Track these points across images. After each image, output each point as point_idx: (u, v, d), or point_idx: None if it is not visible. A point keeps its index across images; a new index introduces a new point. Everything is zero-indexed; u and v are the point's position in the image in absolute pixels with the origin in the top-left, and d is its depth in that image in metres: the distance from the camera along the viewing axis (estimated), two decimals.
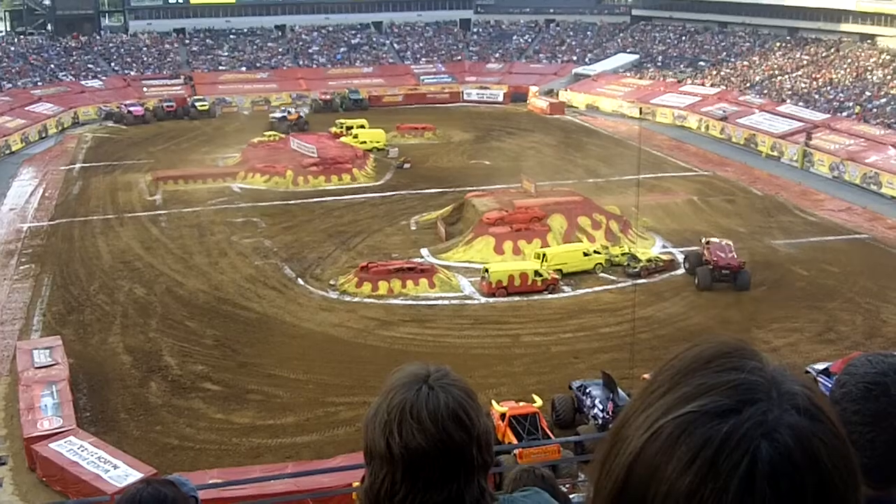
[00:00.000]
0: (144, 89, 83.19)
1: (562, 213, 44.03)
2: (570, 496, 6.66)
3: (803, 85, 73.31)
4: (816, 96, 70.18)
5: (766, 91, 74.14)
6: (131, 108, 76.95)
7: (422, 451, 2.08)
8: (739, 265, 38.36)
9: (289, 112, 72.84)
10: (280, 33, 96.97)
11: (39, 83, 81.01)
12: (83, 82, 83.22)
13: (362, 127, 65.93)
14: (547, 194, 47.24)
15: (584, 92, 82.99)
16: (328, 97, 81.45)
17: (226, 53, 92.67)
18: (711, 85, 78.43)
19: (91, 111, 77.49)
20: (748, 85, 76.55)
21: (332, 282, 39.26)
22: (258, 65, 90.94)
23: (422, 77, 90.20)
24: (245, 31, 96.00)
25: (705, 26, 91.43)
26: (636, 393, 1.38)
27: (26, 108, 73.44)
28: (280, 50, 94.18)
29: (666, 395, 1.29)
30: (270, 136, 64.36)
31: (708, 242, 40.22)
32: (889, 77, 69.54)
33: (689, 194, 52.61)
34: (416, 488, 2.10)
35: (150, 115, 76.71)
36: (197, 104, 78.63)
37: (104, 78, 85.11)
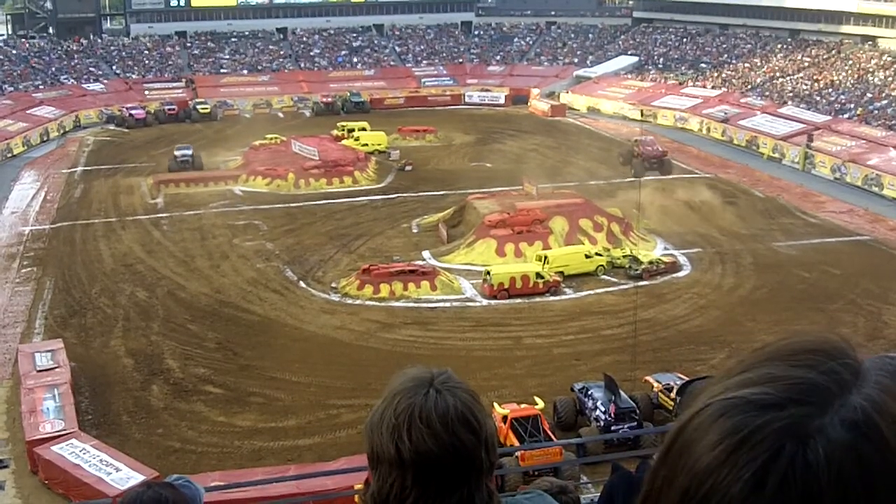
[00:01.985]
0: (146, 92, 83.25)
1: (563, 216, 44.02)
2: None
3: (804, 87, 73.30)
4: (818, 98, 70.18)
5: (767, 93, 74.13)
6: (133, 112, 76.98)
7: (432, 455, 2.06)
8: (663, 154, 41.02)
9: (186, 157, 59.60)
10: (281, 36, 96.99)
11: (41, 86, 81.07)
12: (85, 85, 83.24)
13: (364, 129, 65.95)
14: (548, 196, 47.21)
15: (586, 94, 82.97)
16: (329, 100, 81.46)
17: (227, 56, 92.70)
18: (713, 87, 78.42)
19: (93, 114, 77.51)
20: (749, 87, 76.55)
21: (333, 284, 39.26)
22: (259, 67, 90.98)
23: (423, 79, 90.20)
24: (246, 33, 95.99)
25: (706, 28, 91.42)
26: (727, 364, 1.36)
27: (28, 112, 73.46)
28: (281, 53, 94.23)
29: (735, 377, 1.27)
30: (272, 138, 64.38)
31: (636, 140, 42.71)
32: (890, 79, 69.55)
33: (690, 196, 52.55)
34: (426, 493, 2.09)
35: (151, 119, 76.76)
36: (198, 107, 78.68)
37: (106, 81, 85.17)
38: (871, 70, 72.24)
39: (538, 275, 38.32)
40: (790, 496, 1.15)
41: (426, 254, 43.23)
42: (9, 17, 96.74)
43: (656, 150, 48.80)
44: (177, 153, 60.16)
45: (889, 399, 1.19)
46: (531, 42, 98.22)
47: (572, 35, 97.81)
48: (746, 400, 1.21)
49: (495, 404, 26.35)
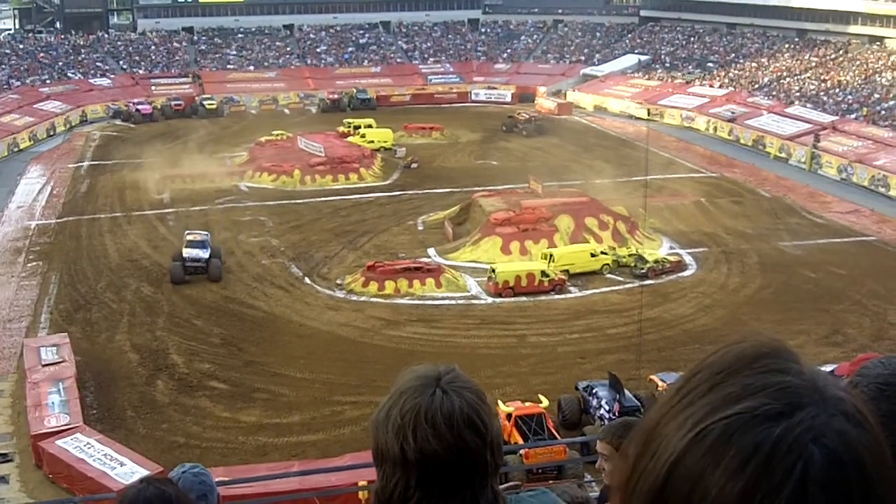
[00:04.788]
0: (153, 88, 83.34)
1: (569, 214, 43.99)
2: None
3: (812, 87, 73.14)
4: (825, 98, 70.01)
5: (774, 93, 73.97)
6: (139, 107, 77.08)
7: (437, 456, 2.06)
8: (530, 118, 68.41)
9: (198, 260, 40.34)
10: (288, 32, 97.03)
11: (48, 81, 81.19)
12: (91, 80, 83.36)
13: (370, 126, 65.97)
14: (554, 195, 47.19)
15: (592, 93, 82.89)
16: (336, 97, 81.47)
17: (234, 52, 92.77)
18: (720, 86, 78.26)
19: (99, 109, 77.61)
20: (756, 86, 76.39)
21: (338, 281, 39.29)
22: (266, 64, 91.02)
23: (429, 77, 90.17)
24: (253, 30, 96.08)
25: (714, 27, 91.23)
26: (671, 388, 1.35)
27: (34, 106, 73.60)
28: (288, 49, 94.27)
29: (708, 395, 1.26)
30: (278, 135, 64.41)
31: (517, 113, 67.90)
32: None
33: (696, 196, 52.51)
34: (429, 493, 2.08)
35: (158, 114, 76.84)
36: (205, 103, 78.75)
37: (112, 76, 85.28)
38: (878, 70, 72.04)
39: (543, 273, 38.30)
40: (830, 496, 1.17)
41: (431, 251, 43.24)
42: (16, 11, 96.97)
43: (528, 116, 70.50)
44: (186, 254, 39.65)
45: (844, 383, 1.30)
46: (538, 40, 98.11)
47: (579, 33, 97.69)
48: (752, 414, 1.21)
49: (499, 402, 26.34)
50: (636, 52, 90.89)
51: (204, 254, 39.73)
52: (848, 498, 1.18)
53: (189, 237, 41.24)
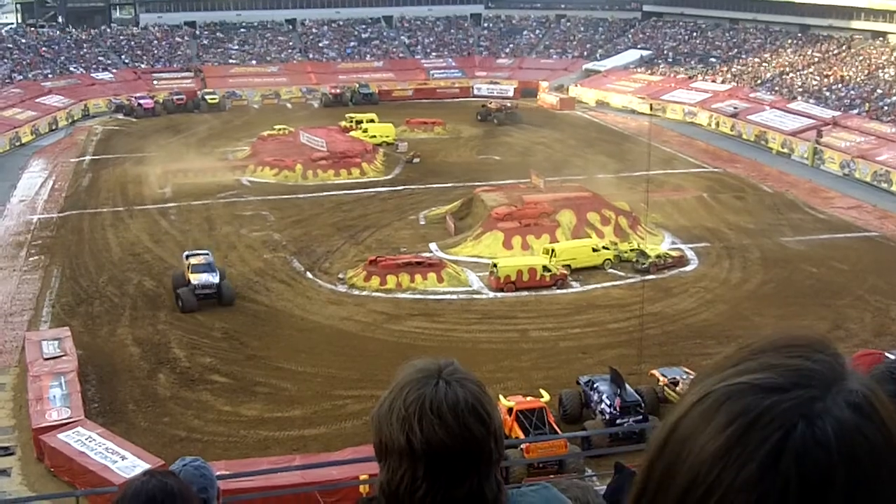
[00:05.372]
0: (155, 82, 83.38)
1: (571, 209, 43.98)
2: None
3: (814, 82, 73.04)
4: (827, 93, 69.92)
5: (776, 88, 73.88)
6: (141, 101, 77.11)
7: (443, 445, 2.07)
8: (500, 108, 72.31)
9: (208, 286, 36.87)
10: (290, 27, 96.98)
11: (50, 75, 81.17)
12: (94, 75, 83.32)
13: (372, 121, 65.90)
14: (556, 190, 47.18)
15: (595, 87, 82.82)
16: (338, 91, 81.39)
17: (236, 47, 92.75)
18: (722, 81, 78.17)
19: (101, 103, 77.63)
20: (759, 82, 76.29)
21: (340, 275, 39.30)
22: (268, 58, 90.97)
23: (432, 72, 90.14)
24: (255, 24, 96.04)
25: (716, 23, 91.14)
26: (709, 363, 1.38)
27: (37, 100, 73.62)
28: (290, 44, 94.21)
29: (729, 368, 1.30)
30: (281, 129, 64.41)
31: (488, 102, 70.78)
32: None
33: (698, 191, 52.49)
34: (437, 483, 2.09)
35: (160, 108, 76.89)
36: (207, 97, 78.81)
37: (115, 70, 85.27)
38: (881, 66, 71.92)
39: (545, 268, 38.30)
40: (804, 473, 1.18)
41: (433, 246, 43.25)
42: (19, 5, 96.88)
43: (500, 106, 73.23)
44: (196, 280, 36.20)
45: (879, 386, 1.28)
46: (540, 35, 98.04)
47: (582, 28, 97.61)
48: (751, 384, 1.24)
49: (501, 397, 26.34)
50: (639, 47, 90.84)
51: (214, 278, 36.22)
52: (829, 482, 1.17)
53: (192, 260, 37.31)
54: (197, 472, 4.01)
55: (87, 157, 62.27)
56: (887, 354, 2.41)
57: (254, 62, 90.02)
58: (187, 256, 38.09)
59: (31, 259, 42.18)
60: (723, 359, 1.34)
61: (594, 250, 40.40)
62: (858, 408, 1.22)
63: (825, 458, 1.18)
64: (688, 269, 40.66)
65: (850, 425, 1.20)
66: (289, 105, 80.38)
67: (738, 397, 1.23)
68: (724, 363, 1.32)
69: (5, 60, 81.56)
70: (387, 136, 64.05)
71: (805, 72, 75.84)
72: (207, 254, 38.65)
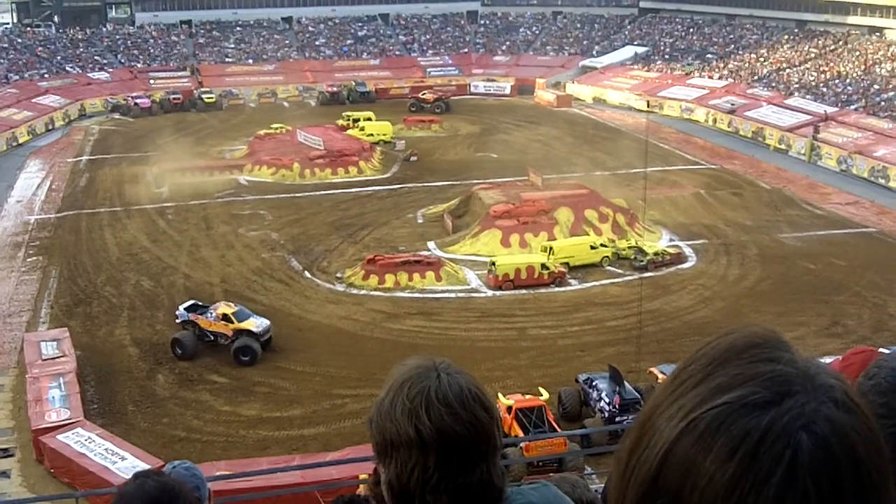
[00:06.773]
0: (151, 81, 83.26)
1: (568, 207, 44.00)
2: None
3: (811, 78, 73.07)
4: (824, 89, 69.95)
5: (773, 84, 73.91)
6: (138, 101, 76.99)
7: (453, 433, 2.10)
8: (434, 98, 74.13)
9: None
10: (287, 25, 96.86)
11: (46, 75, 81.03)
12: (90, 74, 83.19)
13: (369, 119, 65.83)
14: (554, 187, 47.19)
15: (592, 84, 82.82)
16: (335, 89, 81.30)
17: (232, 45, 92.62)
18: (719, 78, 78.20)
19: (98, 103, 77.50)
20: (756, 78, 76.32)
21: (338, 274, 39.30)
22: (265, 57, 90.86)
23: (428, 69, 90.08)
24: (252, 22, 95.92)
25: (713, 19, 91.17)
26: (665, 381, 1.36)
27: (33, 101, 73.51)
28: (287, 42, 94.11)
29: (699, 385, 1.28)
30: (278, 128, 64.33)
31: (422, 93, 71.94)
32: None
33: (696, 187, 52.52)
34: (449, 472, 2.11)
35: (156, 108, 76.76)
36: (203, 96, 78.68)
37: (111, 70, 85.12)
38: (878, 61, 71.99)
39: (543, 266, 38.30)
40: (819, 482, 1.19)
41: (431, 244, 43.25)
42: (14, 5, 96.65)
43: (435, 97, 75.86)
44: (256, 327, 32.03)
45: (837, 371, 1.30)
46: (537, 32, 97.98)
47: (578, 25, 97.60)
48: (740, 403, 1.23)
49: (500, 395, 26.36)
50: (635, 43, 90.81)
51: (266, 320, 32.71)
52: (838, 484, 1.19)
53: (224, 310, 32.40)
54: (188, 472, 4.04)
55: (84, 158, 62.19)
56: (881, 350, 2.41)
57: (250, 61, 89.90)
58: (199, 310, 33.00)
59: (28, 260, 42.15)
60: (680, 373, 1.32)
61: (592, 248, 40.43)
62: (843, 404, 1.24)
63: (832, 462, 1.19)
64: (686, 266, 40.69)
65: (841, 423, 1.22)
66: (286, 104, 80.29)
67: (732, 420, 1.22)
68: (685, 379, 1.30)
69: (1, 60, 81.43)
70: (384, 135, 63.97)
71: (802, 67, 75.89)
72: (229, 303, 33.74)
